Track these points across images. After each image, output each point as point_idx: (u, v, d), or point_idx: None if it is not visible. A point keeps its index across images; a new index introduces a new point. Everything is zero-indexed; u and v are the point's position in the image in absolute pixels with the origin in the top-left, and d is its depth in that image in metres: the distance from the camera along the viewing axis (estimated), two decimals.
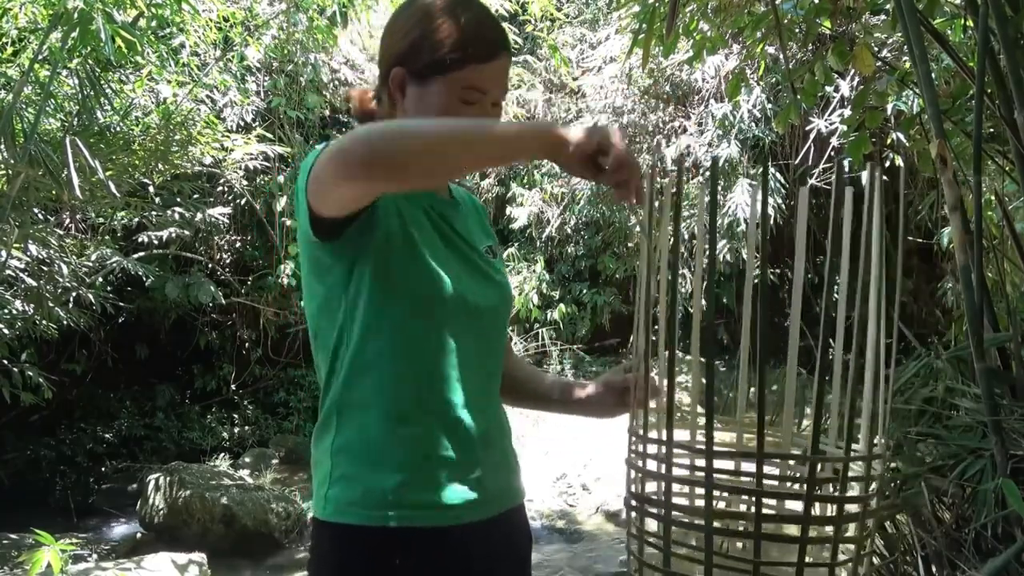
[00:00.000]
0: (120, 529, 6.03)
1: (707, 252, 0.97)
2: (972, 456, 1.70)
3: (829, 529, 0.96)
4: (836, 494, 0.98)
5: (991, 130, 2.21)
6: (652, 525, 1.02)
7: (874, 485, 0.99)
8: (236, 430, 7.69)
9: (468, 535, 1.12)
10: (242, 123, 6.46)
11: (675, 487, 1.05)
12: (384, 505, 1.08)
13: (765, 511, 0.96)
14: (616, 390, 1.27)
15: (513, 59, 8.35)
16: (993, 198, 2.55)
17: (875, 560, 1.96)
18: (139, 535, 5.54)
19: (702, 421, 1.03)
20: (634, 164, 0.97)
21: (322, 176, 1.01)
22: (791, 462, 1.17)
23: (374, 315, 1.10)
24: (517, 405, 1.35)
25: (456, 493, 1.11)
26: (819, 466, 1.01)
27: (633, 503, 1.05)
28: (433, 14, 1.14)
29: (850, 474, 0.97)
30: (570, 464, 6.08)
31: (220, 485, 5.52)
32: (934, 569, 1.75)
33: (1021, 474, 1.57)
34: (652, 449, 1.05)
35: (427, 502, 1.09)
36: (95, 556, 4.95)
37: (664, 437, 1.02)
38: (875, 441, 1.01)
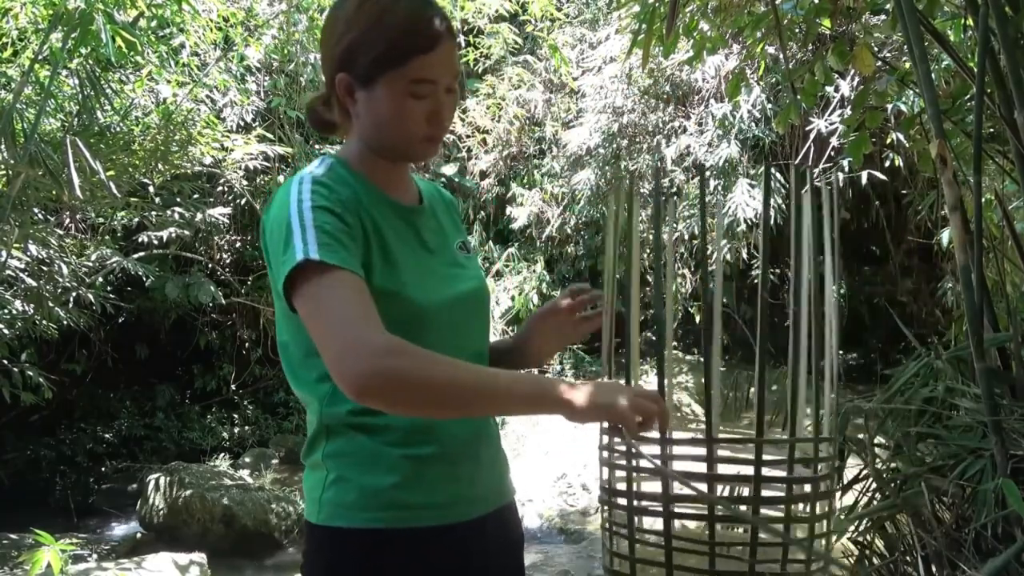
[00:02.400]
0: (120, 529, 6.03)
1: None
2: (972, 456, 1.70)
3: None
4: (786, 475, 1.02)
5: (991, 130, 2.21)
6: (623, 517, 1.05)
7: (823, 467, 1.02)
8: (236, 430, 7.69)
9: (466, 532, 1.13)
10: (242, 123, 6.45)
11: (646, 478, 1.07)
12: (379, 507, 1.08)
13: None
14: (558, 308, 1.28)
15: (513, 59, 8.27)
16: (993, 198, 2.55)
17: (875, 560, 1.96)
18: (139, 535, 5.54)
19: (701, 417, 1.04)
20: (651, 410, 1.00)
21: (314, 326, 0.99)
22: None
23: None
24: None
25: (450, 493, 1.12)
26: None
27: (602, 495, 1.07)
28: (366, 11, 1.08)
29: (800, 456, 1.01)
30: (570, 464, 6.07)
31: (220, 485, 5.52)
32: (934, 569, 1.75)
33: (1021, 474, 1.57)
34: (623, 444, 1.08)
35: (421, 502, 1.09)
36: (95, 556, 4.94)
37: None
38: (823, 424, 1.04)
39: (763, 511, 1.00)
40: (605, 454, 1.07)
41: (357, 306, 0.97)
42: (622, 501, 1.04)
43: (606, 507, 1.08)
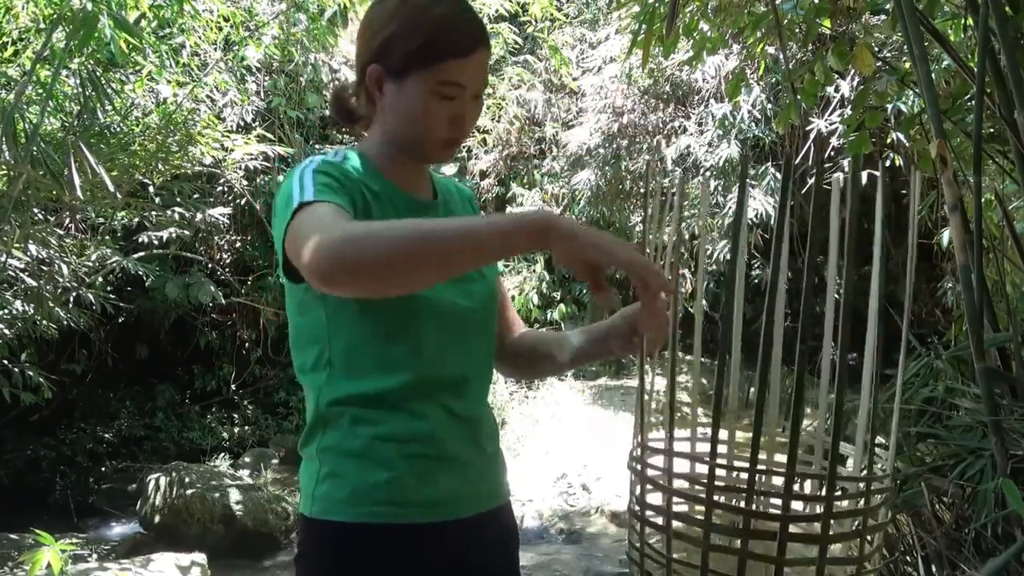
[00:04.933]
0: (120, 529, 6.02)
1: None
2: (972, 456, 1.70)
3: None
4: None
5: (991, 130, 2.21)
6: (656, 533, 1.01)
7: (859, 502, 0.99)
8: (236, 430, 7.69)
9: (464, 530, 1.13)
10: (242, 123, 6.45)
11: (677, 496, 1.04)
12: (373, 502, 1.08)
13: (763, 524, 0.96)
14: (630, 320, 1.23)
15: (513, 59, 8.24)
16: (993, 198, 2.55)
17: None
18: (139, 535, 5.53)
19: (703, 420, 1.03)
20: (655, 271, 0.96)
21: (296, 252, 0.97)
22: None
23: (358, 325, 1.09)
24: (539, 376, 1.35)
25: (447, 490, 1.12)
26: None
27: (636, 509, 1.04)
28: (408, 9, 1.11)
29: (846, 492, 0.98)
30: (570, 464, 6.08)
31: (220, 485, 5.52)
32: (934, 569, 1.75)
33: (1021, 474, 1.57)
34: (656, 454, 1.05)
35: (416, 499, 1.09)
36: (95, 556, 4.94)
37: (670, 441, 1.01)
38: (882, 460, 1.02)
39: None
40: (638, 466, 1.05)
41: (331, 219, 0.97)
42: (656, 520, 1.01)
43: (637, 522, 1.04)
